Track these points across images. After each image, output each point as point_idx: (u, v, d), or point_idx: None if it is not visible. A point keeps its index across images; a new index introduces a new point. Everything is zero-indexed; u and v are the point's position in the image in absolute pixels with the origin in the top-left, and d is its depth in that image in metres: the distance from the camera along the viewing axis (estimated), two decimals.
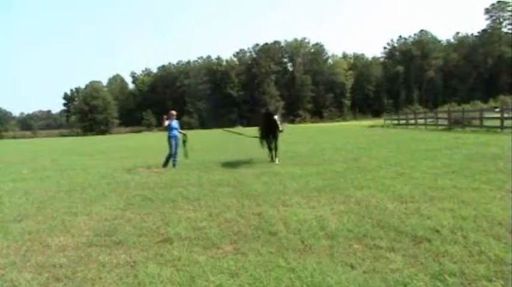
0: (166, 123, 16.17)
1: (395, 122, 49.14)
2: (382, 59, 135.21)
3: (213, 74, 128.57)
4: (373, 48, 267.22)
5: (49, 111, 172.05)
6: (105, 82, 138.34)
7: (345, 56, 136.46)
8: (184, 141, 16.56)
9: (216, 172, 13.43)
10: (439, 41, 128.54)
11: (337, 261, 4.99)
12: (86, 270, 5.13)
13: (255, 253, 5.48)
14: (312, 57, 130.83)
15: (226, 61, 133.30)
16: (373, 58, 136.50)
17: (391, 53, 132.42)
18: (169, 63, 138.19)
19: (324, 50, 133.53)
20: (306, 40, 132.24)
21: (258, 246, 5.74)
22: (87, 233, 6.81)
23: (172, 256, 5.48)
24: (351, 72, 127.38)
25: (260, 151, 16.74)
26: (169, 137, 16.06)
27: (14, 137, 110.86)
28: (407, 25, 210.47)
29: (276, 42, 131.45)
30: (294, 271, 4.74)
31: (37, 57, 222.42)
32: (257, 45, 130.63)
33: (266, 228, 6.57)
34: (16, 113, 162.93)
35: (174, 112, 16.65)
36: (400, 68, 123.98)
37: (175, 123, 16.19)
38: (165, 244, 6.05)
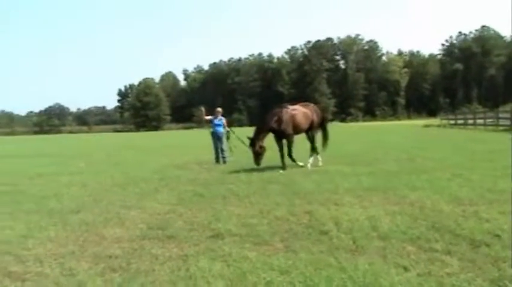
0: (207, 118, 16.36)
1: (452, 121, 47.71)
2: (439, 57, 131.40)
3: (264, 71, 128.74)
4: (430, 45, 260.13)
5: (104, 107, 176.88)
6: (157, 79, 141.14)
7: (400, 53, 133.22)
8: (227, 138, 16.61)
9: (266, 169, 13.43)
10: (502, 38, 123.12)
11: (390, 262, 4.88)
12: (140, 262, 5.24)
13: (305, 251, 5.43)
14: (365, 54, 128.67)
15: (278, 58, 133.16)
16: (430, 55, 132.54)
17: (450, 50, 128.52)
18: (221, 61, 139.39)
19: (378, 47, 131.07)
20: (360, 37, 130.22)
21: (309, 244, 5.69)
22: (140, 226, 6.95)
23: (223, 251, 5.51)
24: (406, 70, 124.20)
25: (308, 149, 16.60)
26: (211, 133, 16.28)
27: (71, 132, 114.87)
28: (467, 21, 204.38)
29: (329, 39, 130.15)
30: (345, 270, 4.67)
31: (93, 55, 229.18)
32: (309, 42, 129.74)
33: (317, 227, 6.51)
34: (73, 108, 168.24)
35: (219, 109, 16.80)
36: (459, 66, 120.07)
37: (218, 120, 16.32)
38: (216, 239, 6.09)
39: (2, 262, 5.36)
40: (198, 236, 6.29)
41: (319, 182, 10.53)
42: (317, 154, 14.27)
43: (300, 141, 14.55)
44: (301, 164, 13.58)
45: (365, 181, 10.38)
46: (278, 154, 13.67)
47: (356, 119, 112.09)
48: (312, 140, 14.59)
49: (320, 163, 13.82)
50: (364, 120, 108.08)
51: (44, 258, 5.48)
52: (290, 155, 13.78)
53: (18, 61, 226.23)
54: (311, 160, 13.91)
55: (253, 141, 13.50)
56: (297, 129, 14.06)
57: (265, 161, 13.58)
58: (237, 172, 12.98)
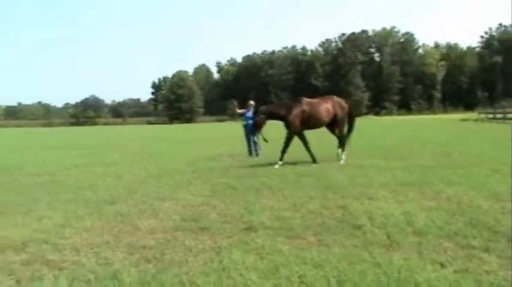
0: (240, 111, 16.32)
1: (491, 116, 46.49)
2: (478, 49, 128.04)
3: (298, 64, 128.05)
4: (469, 38, 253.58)
5: (138, 100, 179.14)
6: (191, 72, 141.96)
7: (437, 45, 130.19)
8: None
9: (299, 163, 13.36)
10: None
11: (426, 258, 4.78)
12: (173, 253, 5.28)
13: (339, 245, 5.38)
14: (401, 47, 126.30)
15: (312, 51, 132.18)
16: (468, 48, 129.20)
17: (489, 43, 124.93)
18: (254, 53, 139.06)
19: (414, 39, 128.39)
20: (395, 29, 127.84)
21: (342, 239, 5.63)
22: (174, 218, 7.01)
23: (256, 244, 5.50)
24: (442, 63, 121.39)
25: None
26: (244, 126, 16.27)
27: (106, 124, 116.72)
28: (507, 12, 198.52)
29: (364, 32, 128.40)
30: (379, 266, 4.61)
31: (128, 48, 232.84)
32: (343, 34, 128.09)
33: (350, 221, 6.44)
34: (108, 100, 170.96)
35: (252, 102, 16.77)
36: (498, 59, 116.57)
37: (251, 113, 16.28)
38: (249, 231, 6.09)
39: (40, 251, 5.48)
40: (231, 228, 6.30)
41: (352, 176, 10.42)
42: (343, 149, 13.73)
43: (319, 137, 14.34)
44: (280, 163, 12.96)
45: (400, 175, 10.23)
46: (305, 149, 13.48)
47: (390, 113, 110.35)
48: (338, 135, 14.10)
49: (342, 161, 13.15)
50: (399, 114, 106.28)
51: (80, 247, 5.58)
52: (283, 149, 13.39)
53: (55, 54, 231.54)
54: (343, 155, 13.51)
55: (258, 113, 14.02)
56: (308, 125, 13.59)
57: (298, 155, 13.50)
58: (270, 164, 12.94)
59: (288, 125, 13.53)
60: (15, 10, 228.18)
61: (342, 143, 13.83)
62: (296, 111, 13.37)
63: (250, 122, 16.06)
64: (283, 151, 13.26)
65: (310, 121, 13.52)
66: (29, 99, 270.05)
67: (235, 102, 16.58)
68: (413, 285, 4.12)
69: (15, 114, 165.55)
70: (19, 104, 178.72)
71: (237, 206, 7.67)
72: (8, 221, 7.07)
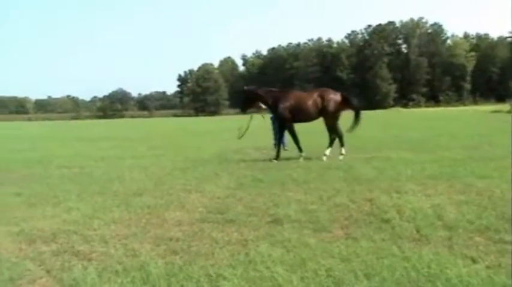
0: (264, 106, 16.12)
1: None
2: (510, 39, 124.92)
3: (323, 56, 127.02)
4: (500, 28, 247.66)
5: (164, 93, 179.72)
6: (216, 64, 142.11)
7: (466, 36, 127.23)
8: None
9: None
10: None
11: (457, 253, 4.70)
12: (200, 245, 5.29)
13: (366, 239, 5.32)
14: (429, 38, 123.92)
15: (337, 43, 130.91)
16: (499, 38, 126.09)
17: None
18: (279, 46, 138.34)
19: (442, 30, 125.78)
20: (423, 20, 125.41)
21: (370, 232, 5.57)
22: (200, 210, 7.03)
23: (283, 236, 5.48)
24: (472, 53, 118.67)
25: (371, 136, 16.24)
26: (271, 118, 16.13)
27: (133, 117, 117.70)
28: None
29: (391, 23, 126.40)
30: (408, 260, 4.53)
31: (154, 41, 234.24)
32: (370, 26, 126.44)
33: (378, 214, 6.37)
34: (135, 93, 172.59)
35: None
36: None
37: None
38: (275, 224, 6.07)
39: (69, 242, 5.55)
40: (257, 221, 6.29)
41: (380, 169, 10.30)
42: (342, 144, 13.01)
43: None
44: (302, 155, 12.84)
45: (429, 168, 10.07)
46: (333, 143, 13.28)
47: (418, 105, 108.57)
48: (329, 130, 13.33)
49: (341, 157, 12.43)
50: (427, 106, 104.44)
51: (109, 239, 5.64)
52: (294, 142, 13.28)
53: (83, 47, 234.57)
54: (343, 150, 12.77)
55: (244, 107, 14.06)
56: (296, 118, 13.19)
57: (323, 148, 13.37)
58: (296, 157, 12.88)
59: (276, 117, 13.58)
60: (44, 6, 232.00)
61: (340, 139, 13.11)
62: (284, 104, 13.08)
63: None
64: (296, 143, 13.19)
65: (298, 114, 13.11)
66: (58, 92, 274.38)
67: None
68: (444, 280, 4.04)
69: (44, 108, 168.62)
70: (49, 97, 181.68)
71: (263, 199, 7.66)
72: (39, 212, 7.18)
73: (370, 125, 30.65)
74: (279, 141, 13.78)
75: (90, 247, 5.33)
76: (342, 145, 12.96)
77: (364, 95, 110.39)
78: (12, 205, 7.82)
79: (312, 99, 12.90)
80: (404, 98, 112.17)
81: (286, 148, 15.45)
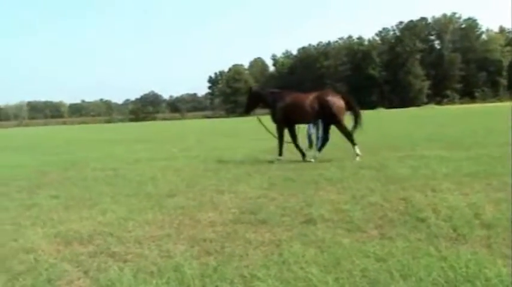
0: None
1: None
2: None
3: (354, 54, 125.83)
4: None
5: (195, 94, 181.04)
6: (246, 65, 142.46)
7: (502, 30, 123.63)
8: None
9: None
10: None
11: (496, 253, 4.57)
12: (234, 246, 5.29)
13: (402, 238, 5.23)
14: (462, 33, 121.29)
15: (368, 41, 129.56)
16: None
17: None
18: (309, 45, 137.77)
19: (477, 25, 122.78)
20: (457, 15, 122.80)
21: (405, 232, 5.48)
22: (233, 211, 7.04)
23: (316, 236, 5.44)
24: (508, 48, 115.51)
25: (404, 134, 16.00)
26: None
27: (164, 119, 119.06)
28: None
29: (423, 19, 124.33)
30: (445, 260, 4.44)
31: (184, 44, 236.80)
32: (401, 22, 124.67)
33: (413, 214, 6.25)
34: (166, 96, 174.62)
35: None
36: None
37: None
38: (309, 224, 6.03)
39: (105, 243, 5.63)
40: (290, 221, 6.26)
41: (414, 167, 10.13)
42: (353, 144, 12.68)
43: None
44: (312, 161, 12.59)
45: (465, 166, 9.85)
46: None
47: (453, 102, 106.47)
48: (321, 130, 13.05)
49: (358, 158, 12.13)
50: (462, 103, 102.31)
51: (143, 240, 5.69)
52: (294, 145, 13.47)
53: (115, 52, 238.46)
54: (357, 150, 12.47)
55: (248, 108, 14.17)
56: (292, 119, 13.18)
57: (358, 145, 13.23)
58: (328, 156, 12.79)
59: (272, 118, 13.49)
60: (76, 10, 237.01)
61: (350, 139, 12.79)
62: (280, 105, 13.07)
63: None
64: (280, 145, 13.17)
65: (294, 116, 13.02)
66: (91, 96, 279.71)
67: None
68: (484, 280, 3.94)
69: (79, 112, 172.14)
70: (82, 101, 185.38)
71: (296, 199, 7.62)
72: (75, 214, 7.30)
73: (404, 123, 30.27)
74: (319, 141, 13.81)
75: (125, 248, 5.39)
76: (353, 144, 12.64)
77: (396, 92, 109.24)
78: (49, 207, 7.98)
79: (309, 101, 12.70)
80: (438, 95, 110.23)
81: (316, 147, 15.33)
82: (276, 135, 13.49)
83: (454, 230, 5.40)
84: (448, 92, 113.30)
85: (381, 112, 70.26)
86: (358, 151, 12.37)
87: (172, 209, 7.28)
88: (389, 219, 6.12)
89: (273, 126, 13.71)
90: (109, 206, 7.69)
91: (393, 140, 16.34)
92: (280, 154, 13.06)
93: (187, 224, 6.39)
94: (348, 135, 12.71)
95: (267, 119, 13.72)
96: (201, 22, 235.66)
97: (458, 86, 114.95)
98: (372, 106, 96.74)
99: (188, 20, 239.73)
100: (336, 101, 12.60)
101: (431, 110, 63.60)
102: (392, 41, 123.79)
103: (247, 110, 14.39)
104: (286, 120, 13.11)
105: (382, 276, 4.18)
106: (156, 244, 5.52)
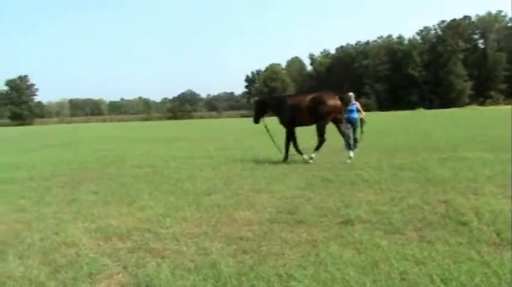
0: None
1: None
2: None
3: (393, 53, 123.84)
4: None
5: (232, 93, 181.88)
6: (284, 64, 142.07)
7: None
8: (361, 125, 16.03)
9: (396, 156, 12.96)
10: None
11: None
12: (270, 245, 5.28)
13: (442, 242, 5.12)
14: (508, 32, 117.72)
15: (409, 40, 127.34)
16: None
17: None
18: (348, 44, 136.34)
19: None
20: (502, 14, 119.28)
21: (446, 235, 5.35)
22: (270, 210, 7.03)
23: (354, 238, 5.37)
24: None
25: (445, 135, 15.65)
26: (344, 119, 15.74)
27: (201, 117, 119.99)
28: None
29: (466, 18, 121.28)
30: (488, 265, 4.31)
31: (222, 43, 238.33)
32: (443, 21, 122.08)
33: (454, 217, 6.11)
34: (204, 94, 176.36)
35: (351, 94, 16.13)
36: None
37: (351, 105, 15.74)
38: (346, 225, 5.97)
39: (143, 239, 5.71)
40: (327, 221, 6.20)
41: (456, 169, 9.91)
42: (350, 148, 12.76)
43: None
44: (306, 157, 12.85)
45: (509, 168, 9.56)
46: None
47: (496, 103, 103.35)
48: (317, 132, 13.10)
49: (348, 161, 12.17)
50: (507, 104, 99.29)
51: (180, 237, 5.74)
52: (284, 146, 13.65)
53: (155, 51, 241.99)
54: (351, 153, 12.55)
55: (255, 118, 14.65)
56: (295, 122, 13.41)
57: (395, 146, 13.05)
58: (367, 157, 12.64)
59: (281, 122, 13.86)
60: (116, 12, 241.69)
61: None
62: (284, 108, 13.39)
63: (352, 115, 15.53)
64: (286, 148, 13.52)
65: (297, 118, 13.25)
66: (130, 94, 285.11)
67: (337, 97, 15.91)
68: None
69: (118, 109, 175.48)
70: (121, 99, 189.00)
71: (333, 199, 7.56)
72: (114, 210, 7.44)
73: (445, 124, 29.64)
74: (347, 142, 13.66)
75: (163, 245, 5.45)
76: (352, 147, 12.81)
77: (436, 93, 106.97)
78: (90, 202, 8.16)
79: (306, 103, 12.96)
80: (480, 96, 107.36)
81: (354, 146, 15.14)
82: (285, 140, 13.83)
83: (498, 234, 5.24)
84: (492, 93, 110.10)
85: (421, 112, 68.95)
86: (351, 154, 12.46)
87: (209, 207, 7.32)
88: (429, 222, 5.99)
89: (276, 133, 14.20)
90: (147, 203, 7.80)
91: (434, 141, 15.99)
92: (286, 157, 13.37)
93: (224, 223, 6.41)
94: (322, 139, 12.93)
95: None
96: (239, 22, 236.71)
97: (503, 86, 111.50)
98: (411, 106, 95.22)
99: (226, 19, 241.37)
100: (332, 101, 12.77)
101: (473, 111, 62.04)
102: (434, 40, 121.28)
103: (255, 121, 14.86)
104: (292, 123, 13.49)
105: (422, 280, 4.10)
106: (193, 241, 5.56)
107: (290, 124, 13.52)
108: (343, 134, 13.06)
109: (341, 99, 12.79)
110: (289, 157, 13.60)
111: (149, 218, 6.74)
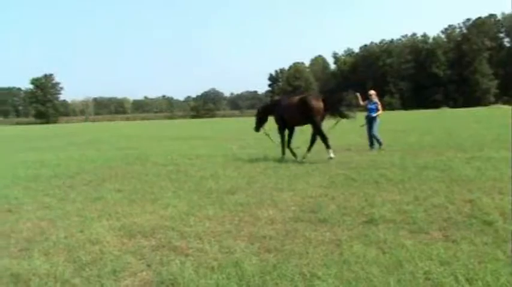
0: (364, 103, 15.63)
1: None
2: None
3: (418, 52, 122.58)
4: None
5: (255, 92, 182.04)
6: (307, 63, 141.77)
7: None
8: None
9: (421, 155, 12.83)
10: None
11: None
12: (293, 244, 5.28)
13: (467, 242, 5.06)
14: None
15: (433, 38, 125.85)
16: None
17: None
18: (372, 43, 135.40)
19: None
20: None
21: (471, 235, 5.29)
22: (293, 209, 7.03)
23: (378, 237, 5.35)
24: None
25: (470, 134, 15.43)
26: (366, 118, 15.68)
27: (224, 116, 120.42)
28: None
29: (491, 16, 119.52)
30: None
31: (245, 42, 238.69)
32: (468, 20, 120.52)
33: (480, 216, 6.03)
34: (227, 93, 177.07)
35: (372, 92, 16.07)
36: None
37: (371, 103, 15.68)
38: (370, 225, 5.94)
39: (167, 237, 5.76)
40: (351, 220, 6.18)
41: (481, 169, 9.76)
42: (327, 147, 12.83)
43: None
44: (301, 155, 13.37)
45: (509, 168, 9.41)
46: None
47: None
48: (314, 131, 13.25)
49: (329, 156, 12.50)
50: None
51: (204, 235, 5.77)
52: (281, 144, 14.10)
53: (177, 51, 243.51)
54: (331, 153, 12.59)
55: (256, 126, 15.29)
56: (287, 123, 13.90)
57: (420, 145, 12.92)
58: (390, 156, 12.54)
59: (276, 122, 14.33)
60: (140, 11, 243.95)
61: (324, 142, 12.89)
62: (278, 109, 14.04)
63: (373, 114, 15.50)
64: (282, 146, 14.00)
65: (288, 119, 13.67)
66: (154, 93, 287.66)
67: (358, 94, 15.88)
68: None
69: (142, 108, 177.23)
70: (145, 97, 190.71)
71: (357, 198, 7.53)
72: (138, 208, 7.52)
73: (470, 123, 29.22)
74: (371, 141, 13.72)
75: (186, 243, 5.50)
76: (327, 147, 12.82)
77: (461, 91, 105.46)
78: (114, 200, 8.26)
79: (295, 104, 13.28)
80: (506, 95, 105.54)
81: (379, 144, 15.07)
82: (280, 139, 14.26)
83: None
84: None
85: (445, 111, 68.07)
86: (332, 154, 12.57)
87: (233, 206, 7.35)
88: (454, 221, 5.93)
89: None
90: (171, 201, 7.86)
91: (458, 141, 15.77)
92: (283, 153, 13.87)
93: (247, 221, 6.43)
94: (323, 137, 12.89)
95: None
96: (262, 20, 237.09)
97: None
98: (435, 105, 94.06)
99: (250, 18, 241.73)
100: (314, 103, 12.86)
101: (498, 110, 60.89)
102: (459, 38, 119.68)
103: (256, 129, 15.53)
104: (283, 123, 14.00)
105: (447, 280, 4.06)
106: (217, 239, 5.59)
107: (283, 124, 14.00)
108: (314, 137, 13.31)
109: (324, 101, 12.86)
110: (312, 156, 13.54)
111: (173, 217, 6.80)
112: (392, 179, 9.08)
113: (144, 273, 4.66)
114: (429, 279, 4.12)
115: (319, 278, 4.23)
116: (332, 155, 12.47)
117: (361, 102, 15.45)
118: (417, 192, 7.76)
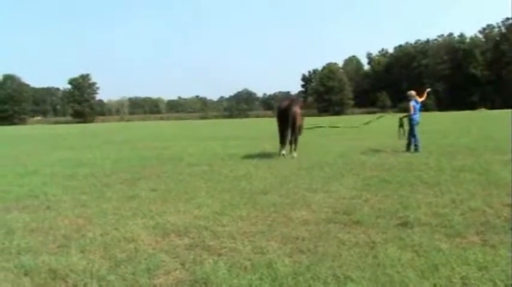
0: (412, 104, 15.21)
1: None
2: None
3: (454, 52, 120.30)
4: None
5: (288, 92, 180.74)
6: (341, 63, 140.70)
7: None
8: (400, 125, 15.59)
9: (457, 157, 12.58)
10: None
11: None
12: (327, 245, 5.25)
13: (506, 247, 4.94)
14: None
15: (471, 38, 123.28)
16: None
17: None
18: (407, 43, 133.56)
19: None
20: None
21: (510, 240, 5.16)
22: (326, 210, 6.99)
23: (413, 240, 5.26)
24: None
25: (508, 136, 15.04)
26: (410, 119, 15.32)
27: (257, 116, 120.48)
28: None
29: None
30: None
31: (279, 42, 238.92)
32: (508, 19, 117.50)
33: None
34: (260, 93, 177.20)
35: (412, 92, 15.71)
36: None
37: (414, 104, 15.34)
38: (405, 227, 5.85)
39: (200, 236, 5.79)
40: (385, 223, 6.11)
41: None
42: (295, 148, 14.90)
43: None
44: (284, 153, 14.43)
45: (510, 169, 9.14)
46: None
47: None
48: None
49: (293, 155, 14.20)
50: None
51: (237, 235, 5.79)
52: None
53: (211, 52, 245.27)
54: (295, 153, 14.64)
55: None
56: (280, 123, 14.93)
57: (456, 148, 12.66)
58: (426, 158, 12.33)
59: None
60: (174, 13, 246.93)
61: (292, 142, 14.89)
62: (276, 110, 15.47)
63: (413, 115, 15.13)
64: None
65: (284, 121, 14.57)
66: (188, 93, 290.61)
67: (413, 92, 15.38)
68: None
69: (176, 108, 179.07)
70: (179, 98, 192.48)
71: (391, 201, 7.43)
72: (172, 207, 7.58)
73: (507, 125, 28.48)
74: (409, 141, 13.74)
75: (219, 243, 5.51)
76: (295, 148, 14.91)
77: (499, 92, 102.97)
78: (149, 199, 8.36)
79: (284, 108, 14.66)
80: None
81: (415, 148, 14.77)
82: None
83: None
84: None
85: (483, 113, 66.65)
86: (295, 154, 14.60)
87: (266, 206, 7.35)
88: (492, 225, 5.79)
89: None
90: (204, 201, 7.91)
91: (497, 143, 15.39)
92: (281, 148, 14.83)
93: (280, 222, 6.42)
94: (296, 140, 14.93)
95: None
96: (296, 21, 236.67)
97: None
98: (472, 106, 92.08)
99: (283, 19, 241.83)
100: (297, 109, 14.65)
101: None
102: (497, 38, 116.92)
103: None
104: (279, 123, 15.06)
105: (485, 285, 3.98)
106: (250, 239, 5.60)
107: (279, 124, 14.98)
108: (295, 138, 14.85)
109: (300, 107, 14.82)
110: (347, 156, 13.45)
111: (206, 216, 6.84)
112: (427, 182, 8.95)
113: (178, 272, 4.69)
114: (466, 284, 4.04)
115: (352, 280, 4.19)
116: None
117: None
118: (453, 195, 7.62)
